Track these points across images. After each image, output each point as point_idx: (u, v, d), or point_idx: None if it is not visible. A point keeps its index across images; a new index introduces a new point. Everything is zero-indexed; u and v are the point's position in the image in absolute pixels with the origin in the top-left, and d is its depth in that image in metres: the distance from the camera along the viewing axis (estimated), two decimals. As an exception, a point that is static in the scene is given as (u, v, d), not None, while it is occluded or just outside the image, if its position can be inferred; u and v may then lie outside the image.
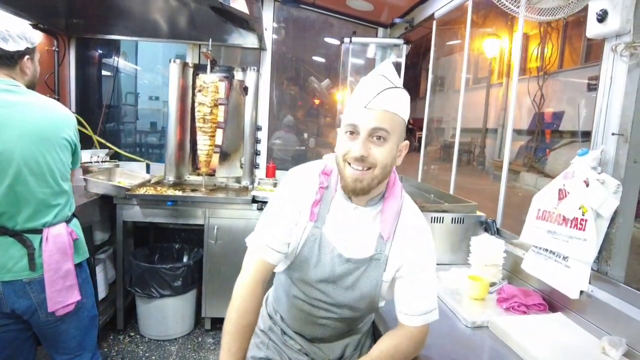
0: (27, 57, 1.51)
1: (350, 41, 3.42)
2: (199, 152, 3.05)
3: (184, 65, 3.14)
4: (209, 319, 2.99)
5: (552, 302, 1.44)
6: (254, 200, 2.84)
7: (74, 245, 1.56)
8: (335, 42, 3.80)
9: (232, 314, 1.03)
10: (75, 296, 1.53)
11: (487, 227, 1.87)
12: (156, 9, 3.22)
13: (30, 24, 2.74)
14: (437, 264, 1.84)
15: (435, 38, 2.75)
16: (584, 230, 1.29)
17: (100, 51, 3.58)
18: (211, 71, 2.99)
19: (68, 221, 1.56)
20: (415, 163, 3.08)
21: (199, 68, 3.19)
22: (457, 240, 1.89)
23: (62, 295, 1.49)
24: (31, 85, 1.55)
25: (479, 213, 1.92)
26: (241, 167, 3.27)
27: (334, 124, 4.10)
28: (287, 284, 1.20)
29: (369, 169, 0.98)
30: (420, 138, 3.39)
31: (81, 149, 1.71)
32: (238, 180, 3.28)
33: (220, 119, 3.12)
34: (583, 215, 1.29)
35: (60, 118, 1.53)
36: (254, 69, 3.17)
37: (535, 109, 8.20)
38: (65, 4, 3.07)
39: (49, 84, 2.98)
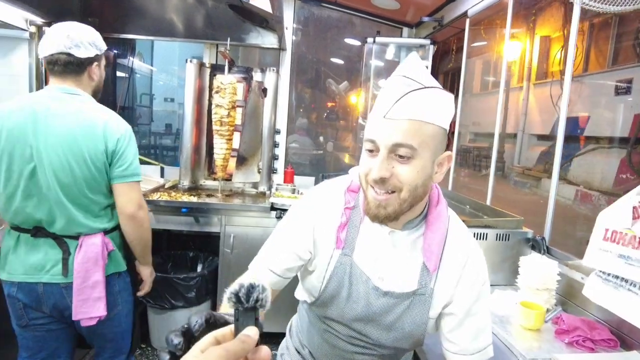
0: (95, 63, 1.54)
1: (374, 41, 3.26)
2: (215, 156, 2.91)
3: (201, 65, 3.02)
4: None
5: (623, 337, 1.26)
6: (272, 207, 2.69)
7: (109, 257, 1.55)
8: (356, 42, 3.65)
9: None
10: (101, 311, 1.50)
11: (536, 245, 1.69)
12: (172, 7, 3.10)
13: (42, 22, 2.65)
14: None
15: (468, 37, 2.58)
16: (664, 255, 1.11)
17: (115, 51, 3.48)
18: (229, 72, 2.86)
19: (108, 232, 1.56)
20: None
21: (216, 68, 3.07)
22: (500, 260, 1.72)
23: (88, 305, 1.49)
24: (97, 90, 1.60)
25: (525, 229, 1.74)
26: (259, 172, 3.13)
27: (351, 127, 3.94)
28: (314, 318, 1.03)
29: (393, 192, 0.80)
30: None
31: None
32: (255, 185, 3.14)
33: (238, 121, 2.99)
34: (664, 238, 1.11)
35: (95, 131, 1.47)
36: (273, 70, 3.03)
37: (558, 113, 7.94)
38: (80, 3, 2.98)
39: (61, 84, 2.88)
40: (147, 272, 1.79)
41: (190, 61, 2.96)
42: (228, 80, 2.77)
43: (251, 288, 0.51)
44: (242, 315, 0.51)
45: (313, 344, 1.07)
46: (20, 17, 2.52)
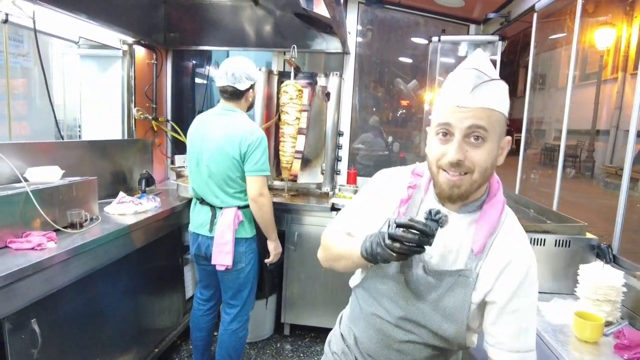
0: (250, 90, 2.18)
1: (439, 40, 3.22)
2: (281, 157, 3.08)
3: (269, 73, 3.20)
4: (288, 325, 3.00)
5: (692, 356, 1.16)
6: (333, 208, 2.79)
7: (240, 225, 2.14)
8: (423, 41, 3.61)
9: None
10: (227, 261, 2.11)
11: (600, 253, 1.59)
12: (244, 18, 3.33)
13: (133, 41, 3.00)
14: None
15: (535, 32, 2.45)
16: None
17: (193, 61, 3.81)
18: (295, 78, 3.00)
19: (241, 207, 2.15)
20: (512, 169, 2.78)
21: (283, 75, 3.23)
22: (561, 267, 1.64)
23: (221, 256, 2.11)
24: (251, 105, 2.28)
25: (589, 235, 1.64)
26: (322, 173, 3.24)
27: (420, 126, 3.90)
28: (364, 298, 1.10)
29: (465, 173, 0.87)
30: (517, 140, 3.06)
31: (184, 153, 2.39)
32: (319, 186, 3.26)
33: (303, 125, 3.12)
34: None
35: (235, 138, 2.05)
36: (337, 74, 3.12)
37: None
38: (163, 20, 3.32)
39: (148, 95, 3.23)
40: (272, 246, 2.29)
41: (260, 69, 3.15)
42: (294, 86, 2.92)
43: (439, 211, 0.82)
44: (429, 224, 0.81)
45: (359, 329, 1.12)
46: (114, 37, 2.89)
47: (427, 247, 0.85)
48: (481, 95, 0.84)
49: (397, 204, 1.02)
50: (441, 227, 0.81)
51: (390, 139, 4.16)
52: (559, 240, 1.61)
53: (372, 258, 0.88)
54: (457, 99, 0.85)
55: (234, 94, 2.13)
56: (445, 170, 0.88)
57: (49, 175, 2.03)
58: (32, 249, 1.61)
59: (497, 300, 0.92)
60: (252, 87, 2.19)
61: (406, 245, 0.81)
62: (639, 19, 7.85)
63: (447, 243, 0.96)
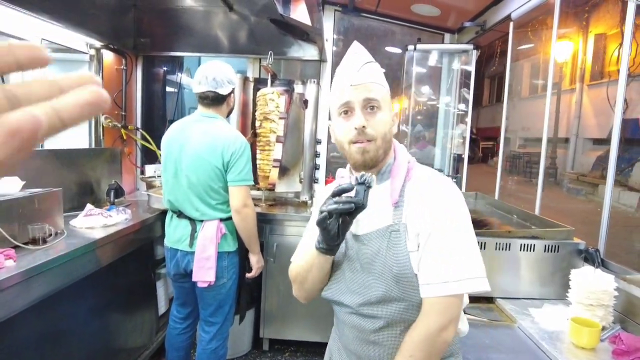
0: (231, 95, 2.09)
1: (415, 48, 3.24)
2: (259, 166, 2.99)
3: (245, 79, 3.12)
4: (267, 340, 2.89)
5: (690, 359, 1.16)
6: (314, 217, 2.72)
7: (223, 238, 2.02)
8: (398, 51, 3.63)
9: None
10: (210, 277, 1.98)
11: (589, 257, 1.59)
12: (218, 24, 3.24)
13: (101, 45, 2.85)
14: (525, 299, 1.62)
15: (512, 41, 2.49)
16: None
17: (165, 68, 3.67)
18: (272, 85, 2.93)
19: (224, 220, 2.02)
20: (482, 175, 2.80)
21: (259, 82, 3.15)
22: (549, 272, 1.63)
23: (202, 272, 1.98)
24: (230, 110, 2.17)
25: (576, 240, 1.65)
26: (300, 182, 3.17)
27: (397, 134, 3.90)
28: (333, 302, 1.10)
29: (369, 141, 0.98)
30: (485, 149, 3.10)
31: (154, 162, 2.14)
32: (297, 195, 3.19)
33: (280, 132, 3.05)
34: None
35: (217, 146, 1.94)
36: (314, 82, 3.07)
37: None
38: (133, 25, 3.18)
39: (117, 102, 3.07)
40: (254, 259, 2.17)
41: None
42: (271, 93, 2.85)
43: (364, 174, 0.89)
44: (357, 187, 0.88)
45: (341, 333, 1.11)
46: (81, 41, 2.73)
47: (357, 220, 0.94)
48: (367, 73, 1.00)
49: None
50: (369, 186, 0.88)
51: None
52: (548, 246, 1.60)
53: (325, 243, 0.94)
54: (350, 79, 0.99)
55: (215, 100, 2.02)
56: (354, 143, 0.99)
57: (7, 186, 1.86)
58: (-12, 268, 1.46)
59: (423, 237, 0.95)
60: (232, 91, 2.09)
61: (342, 208, 0.87)
62: (594, 33, 8.30)
63: (372, 210, 0.99)
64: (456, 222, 0.94)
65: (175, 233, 2.07)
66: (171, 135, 2.07)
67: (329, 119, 1.05)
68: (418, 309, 0.95)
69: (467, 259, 0.92)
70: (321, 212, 0.90)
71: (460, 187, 3.23)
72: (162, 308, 2.80)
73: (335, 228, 0.91)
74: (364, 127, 0.96)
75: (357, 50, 1.05)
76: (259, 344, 2.92)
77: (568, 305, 1.48)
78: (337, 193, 0.89)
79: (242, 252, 2.15)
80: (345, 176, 1.12)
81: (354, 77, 0.99)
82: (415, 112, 3.85)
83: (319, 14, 2.63)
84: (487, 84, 14.06)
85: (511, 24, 2.42)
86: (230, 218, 2.04)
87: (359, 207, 0.87)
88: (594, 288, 1.36)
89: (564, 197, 7.43)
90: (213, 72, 1.99)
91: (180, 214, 2.05)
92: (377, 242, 0.99)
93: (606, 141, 7.87)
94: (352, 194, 0.88)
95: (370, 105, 0.98)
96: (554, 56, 2.10)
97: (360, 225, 1.02)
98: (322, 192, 1.23)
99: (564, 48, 8.37)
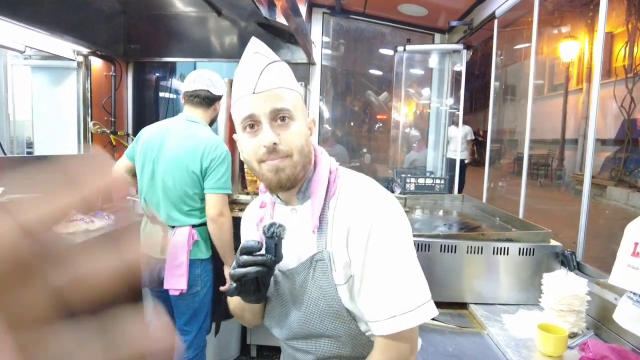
0: (219, 100, 2.09)
1: (404, 49, 3.20)
2: (245, 170, 2.97)
3: (231, 83, 3.11)
4: (255, 346, 2.85)
5: (659, 368, 1.10)
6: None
7: (195, 245, 1.94)
8: (390, 52, 3.60)
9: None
10: (181, 284, 1.89)
11: (565, 260, 1.53)
12: (208, 29, 3.26)
13: (88, 52, 2.87)
14: (499, 304, 1.56)
15: (497, 39, 2.44)
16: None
17: (157, 74, 3.69)
18: (258, 88, 2.92)
19: (196, 226, 1.95)
20: (481, 180, 2.75)
21: (247, 86, 3.14)
22: (526, 276, 1.57)
23: (174, 280, 1.90)
24: (214, 119, 2.14)
25: (553, 242, 1.59)
26: (289, 186, 3.15)
27: (393, 138, 3.87)
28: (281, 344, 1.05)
29: (284, 157, 0.83)
30: (491, 151, 3.04)
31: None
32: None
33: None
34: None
35: (196, 152, 1.88)
36: (302, 84, 3.05)
37: (624, 115, 7.29)
38: (123, 31, 3.21)
39: (106, 108, 3.09)
40: (227, 272, 2.06)
41: (224, 80, 3.06)
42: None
43: (272, 225, 0.79)
44: (267, 242, 0.80)
45: None
46: (68, 48, 2.75)
47: (285, 251, 0.84)
48: (272, 77, 0.83)
49: (256, 232, 0.97)
50: (280, 237, 0.80)
51: (364, 150, 4.11)
52: (523, 249, 1.54)
53: (247, 299, 0.88)
54: (252, 87, 0.82)
55: (205, 99, 1.99)
56: (264, 161, 0.83)
57: (-15, 193, 1.87)
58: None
59: (354, 269, 0.84)
60: (220, 98, 2.09)
61: (253, 273, 0.79)
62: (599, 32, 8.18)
63: (295, 239, 0.90)
64: (392, 247, 0.82)
65: (149, 239, 2.03)
66: (149, 135, 2.00)
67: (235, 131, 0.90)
68: (351, 342, 0.88)
69: (412, 286, 0.81)
70: (231, 276, 0.81)
71: (452, 189, 3.17)
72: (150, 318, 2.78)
73: (252, 287, 0.84)
74: (275, 144, 0.81)
75: (257, 49, 0.86)
76: (246, 350, 2.89)
77: (542, 311, 1.43)
78: (245, 252, 0.79)
79: (217, 260, 2.09)
80: (266, 200, 0.98)
81: (256, 82, 0.82)
82: (408, 114, 3.81)
83: (300, 18, 2.62)
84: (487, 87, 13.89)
85: (495, 21, 2.37)
86: (203, 224, 1.98)
87: (272, 264, 0.80)
88: (564, 292, 1.31)
89: (571, 200, 7.28)
90: (208, 73, 2.03)
91: (153, 218, 2.00)
92: (302, 275, 0.89)
93: (615, 142, 7.69)
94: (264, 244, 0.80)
95: (280, 117, 0.82)
96: (534, 55, 2.05)
97: (284, 259, 0.90)
98: (248, 213, 1.07)
99: (570, 47, 8.23)
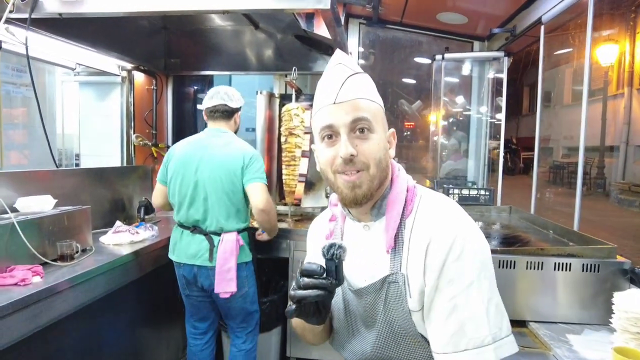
0: (238, 112, 2.23)
1: (443, 58, 3.15)
2: (285, 181, 2.98)
3: (270, 96, 3.14)
4: (294, 359, 2.83)
5: None
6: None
7: (240, 249, 2.07)
8: (426, 61, 3.55)
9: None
10: (232, 287, 2.02)
11: (635, 278, 1.44)
12: (245, 42, 3.30)
13: (132, 67, 2.96)
14: (562, 323, 1.48)
15: (543, 45, 2.37)
16: None
17: (195, 87, 3.77)
18: (296, 100, 2.94)
19: (240, 231, 2.09)
20: (522, 188, 2.65)
21: (285, 98, 3.17)
22: (589, 294, 1.49)
23: (224, 284, 2.02)
24: (236, 130, 2.27)
25: (620, 259, 1.50)
26: (326, 197, 3.13)
27: (427, 147, 3.80)
28: (342, 354, 1.02)
29: (361, 171, 0.81)
30: (526, 159, 2.94)
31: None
32: (324, 210, 3.14)
33: (306, 147, 3.04)
34: None
35: (237, 155, 2.05)
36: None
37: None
38: (163, 46, 3.30)
39: (147, 121, 3.18)
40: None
41: (261, 92, 3.10)
42: (295, 109, 2.85)
43: (331, 246, 0.76)
44: (327, 263, 0.77)
45: None
46: (113, 64, 2.85)
47: (353, 268, 0.84)
48: (353, 88, 0.82)
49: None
50: (341, 259, 0.77)
51: (396, 160, 4.05)
52: (587, 265, 1.47)
53: (309, 321, 0.85)
54: (333, 97, 0.82)
55: (225, 112, 2.16)
56: (341, 173, 0.82)
57: (40, 204, 1.94)
58: (16, 284, 1.50)
59: (427, 292, 0.79)
60: (239, 110, 2.23)
61: (313, 297, 0.76)
62: (642, 35, 7.86)
63: (370, 255, 0.87)
64: (470, 270, 0.76)
65: (189, 249, 2.09)
66: (185, 151, 2.13)
67: (313, 142, 0.90)
68: None
69: (490, 316, 0.75)
70: (291, 297, 0.79)
71: (494, 201, 3.07)
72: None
73: (312, 310, 0.81)
74: (352, 155, 0.79)
75: (340, 60, 0.86)
76: (286, 363, 2.87)
77: (612, 332, 1.34)
78: (305, 274, 0.77)
79: (256, 262, 2.26)
80: (337, 214, 0.97)
81: (337, 93, 0.81)
82: (448, 123, 3.74)
83: (341, 28, 2.62)
84: (527, 92, 13.54)
85: (542, 27, 2.30)
86: (245, 229, 2.13)
87: (333, 288, 0.77)
88: (640, 313, 1.22)
89: (615, 210, 6.95)
90: (224, 88, 2.19)
91: (194, 229, 2.09)
92: (372, 296, 0.85)
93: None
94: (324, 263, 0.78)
95: (359, 128, 0.81)
96: (588, 60, 1.96)
97: (354, 277, 0.89)
98: (316, 226, 1.06)
99: (608, 51, 7.93)
